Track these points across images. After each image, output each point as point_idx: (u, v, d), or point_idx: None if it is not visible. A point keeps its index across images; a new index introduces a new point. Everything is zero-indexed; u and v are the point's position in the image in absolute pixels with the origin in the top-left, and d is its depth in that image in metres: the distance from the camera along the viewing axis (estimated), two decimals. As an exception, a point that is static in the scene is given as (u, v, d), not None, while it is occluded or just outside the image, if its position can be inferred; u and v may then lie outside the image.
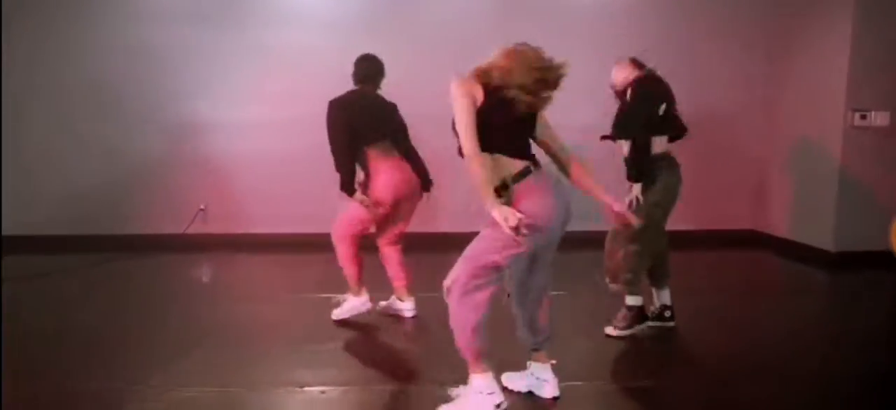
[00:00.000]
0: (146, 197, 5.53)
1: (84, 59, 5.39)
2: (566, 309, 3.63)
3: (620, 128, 3.19)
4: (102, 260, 5.06)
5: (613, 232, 3.25)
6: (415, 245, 3.89)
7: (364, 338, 3.32)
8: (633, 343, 3.20)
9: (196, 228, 5.55)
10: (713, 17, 5.53)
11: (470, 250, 2.27)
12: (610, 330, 3.26)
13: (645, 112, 3.11)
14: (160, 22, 5.38)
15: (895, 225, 3.67)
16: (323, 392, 2.63)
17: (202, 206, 5.57)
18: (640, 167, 3.15)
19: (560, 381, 2.54)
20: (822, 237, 4.92)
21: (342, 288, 3.60)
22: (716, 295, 4.17)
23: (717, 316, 3.70)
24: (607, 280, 3.33)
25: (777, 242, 5.44)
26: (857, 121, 4.70)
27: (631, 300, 3.25)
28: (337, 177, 3.30)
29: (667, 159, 3.24)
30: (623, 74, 3.27)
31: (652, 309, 3.38)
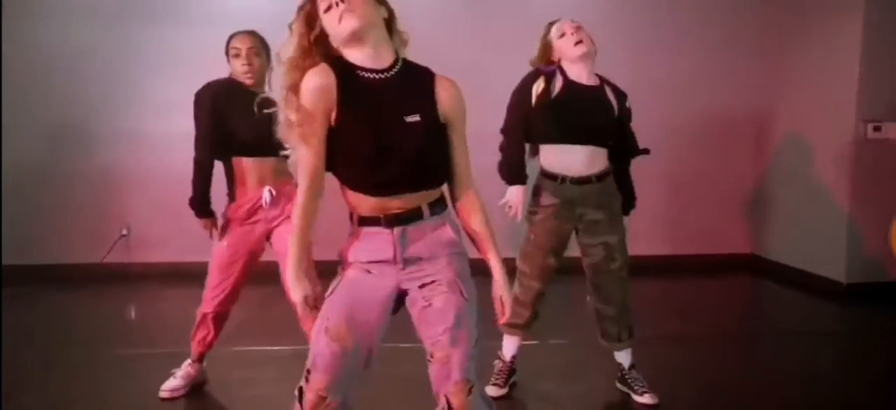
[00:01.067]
0: (59, 221, 4.78)
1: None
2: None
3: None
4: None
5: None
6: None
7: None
8: None
9: (116, 256, 4.80)
10: (702, 13, 4.98)
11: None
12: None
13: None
14: (74, 19, 4.67)
15: (895, 225, 3.28)
16: None
17: (124, 231, 4.84)
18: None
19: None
20: (830, 266, 4.35)
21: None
22: (704, 341, 3.54)
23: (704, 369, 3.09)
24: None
25: (778, 269, 4.86)
26: (870, 133, 4.15)
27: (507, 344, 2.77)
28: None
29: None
30: None
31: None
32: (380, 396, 2.21)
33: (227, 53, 2.72)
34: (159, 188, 4.78)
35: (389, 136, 1.52)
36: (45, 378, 2.91)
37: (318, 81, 1.51)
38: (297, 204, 1.58)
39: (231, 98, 2.63)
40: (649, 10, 4.98)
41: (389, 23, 1.61)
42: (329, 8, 1.52)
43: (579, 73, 2.56)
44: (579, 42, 2.53)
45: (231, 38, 2.71)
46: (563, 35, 2.57)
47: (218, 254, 2.67)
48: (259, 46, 2.66)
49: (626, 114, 2.68)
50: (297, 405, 1.54)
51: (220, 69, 4.93)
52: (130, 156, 4.78)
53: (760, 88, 5.04)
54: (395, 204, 1.56)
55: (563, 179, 2.54)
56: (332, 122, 1.52)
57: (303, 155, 1.53)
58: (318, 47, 1.55)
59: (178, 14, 4.76)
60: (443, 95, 1.61)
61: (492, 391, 2.61)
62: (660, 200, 4.91)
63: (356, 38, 1.52)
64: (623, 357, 2.71)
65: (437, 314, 1.56)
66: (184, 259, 4.79)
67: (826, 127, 4.42)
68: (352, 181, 1.58)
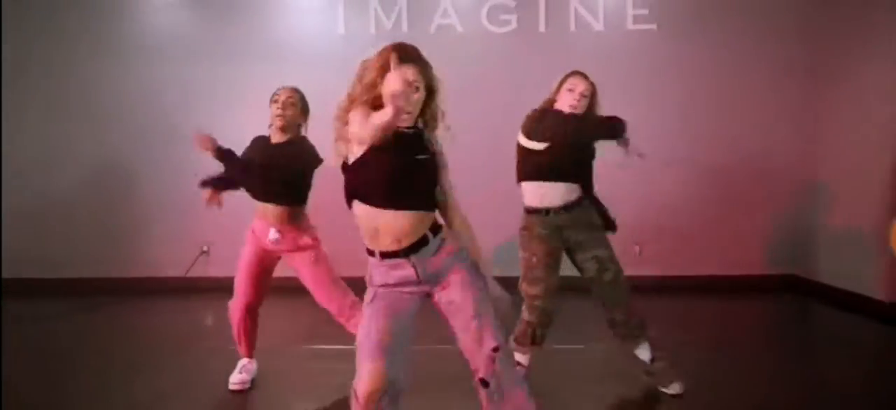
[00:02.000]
0: (146, 239, 5.38)
1: (86, 100, 5.36)
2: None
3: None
4: (98, 304, 4.88)
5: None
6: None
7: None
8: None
9: (198, 271, 5.35)
10: (745, 42, 5.18)
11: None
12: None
13: None
14: (159, 59, 5.34)
15: (895, 226, 3.28)
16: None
17: (205, 248, 5.39)
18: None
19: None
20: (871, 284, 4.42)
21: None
22: (749, 347, 3.71)
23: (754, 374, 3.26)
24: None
25: (821, 288, 4.93)
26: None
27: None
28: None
29: None
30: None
31: None
32: (424, 393, 2.51)
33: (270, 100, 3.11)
34: (234, 209, 5.32)
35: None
36: (131, 377, 3.36)
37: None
38: None
39: (253, 149, 3.12)
40: (702, 48, 5.23)
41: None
42: (407, 84, 1.88)
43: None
44: (573, 106, 2.86)
45: (277, 90, 3.11)
46: (571, 89, 2.89)
47: (241, 259, 3.09)
48: (296, 99, 3.07)
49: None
50: (354, 400, 1.84)
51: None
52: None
53: (802, 111, 5.17)
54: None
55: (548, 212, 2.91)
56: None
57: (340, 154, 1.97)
58: (373, 93, 1.93)
59: (249, 52, 5.32)
60: None
61: None
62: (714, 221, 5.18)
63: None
64: (643, 353, 2.96)
65: (459, 308, 1.93)
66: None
67: (868, 148, 4.52)
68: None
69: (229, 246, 5.26)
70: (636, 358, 3.01)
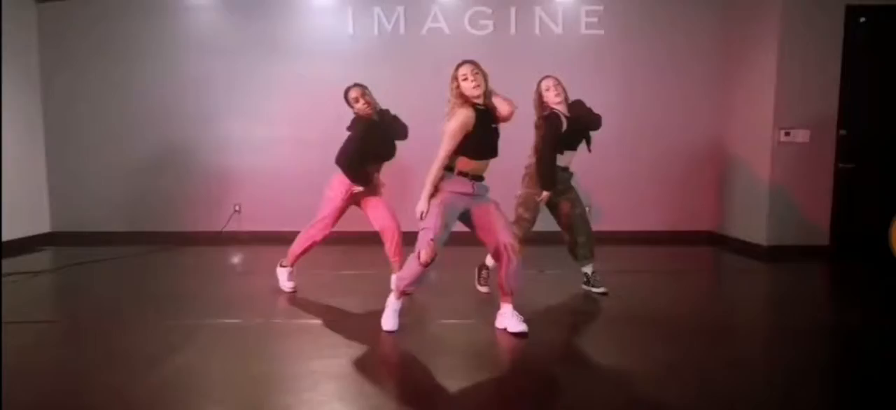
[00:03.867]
0: (191, 200, 6.58)
1: (143, 85, 6.49)
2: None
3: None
4: (151, 251, 6.08)
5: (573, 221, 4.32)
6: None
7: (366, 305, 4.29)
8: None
9: (232, 226, 6.57)
10: (674, 42, 6.55)
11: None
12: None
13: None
14: (202, 54, 6.46)
15: (895, 226, 4.14)
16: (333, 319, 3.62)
17: (237, 207, 6.60)
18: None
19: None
20: (756, 233, 5.88)
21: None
22: (678, 275, 5.12)
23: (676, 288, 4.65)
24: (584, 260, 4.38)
25: (727, 239, 6.38)
26: (782, 137, 5.66)
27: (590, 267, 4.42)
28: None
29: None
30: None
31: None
32: (451, 364, 3.63)
33: (347, 99, 4.31)
34: (260, 177, 6.55)
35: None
36: (178, 305, 4.36)
37: (466, 115, 3.29)
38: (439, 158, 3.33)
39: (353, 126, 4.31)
40: (639, 50, 6.55)
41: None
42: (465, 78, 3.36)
43: (562, 110, 4.14)
44: (558, 96, 4.11)
45: (351, 89, 4.29)
46: (548, 90, 4.14)
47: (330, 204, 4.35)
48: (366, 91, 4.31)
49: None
50: (416, 261, 3.33)
51: (302, 94, 6.75)
52: (242, 156, 6.56)
53: (715, 110, 6.57)
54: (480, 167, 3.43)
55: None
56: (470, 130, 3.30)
57: (447, 147, 3.31)
58: (462, 95, 3.34)
59: (276, 49, 6.46)
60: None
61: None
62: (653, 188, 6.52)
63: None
64: (588, 268, 4.36)
65: (494, 221, 3.41)
66: (278, 228, 6.55)
67: (755, 135, 5.93)
68: (469, 153, 3.35)
69: (256, 206, 6.56)
70: (580, 272, 4.39)
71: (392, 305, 3.57)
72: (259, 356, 3.23)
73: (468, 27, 6.47)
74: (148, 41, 6.47)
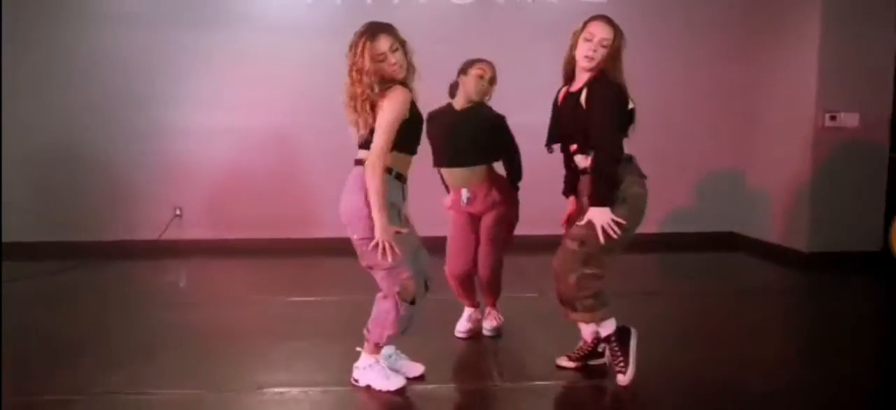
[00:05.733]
0: (120, 202, 5.50)
1: (51, 62, 5.36)
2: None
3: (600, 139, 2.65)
4: (73, 266, 5.00)
5: (564, 252, 2.64)
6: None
7: (329, 341, 3.30)
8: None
9: (172, 234, 5.52)
10: (689, 26, 5.61)
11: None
12: (563, 362, 2.85)
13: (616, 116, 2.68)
14: (129, 25, 5.36)
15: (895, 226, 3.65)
16: (280, 393, 2.62)
17: (178, 211, 5.55)
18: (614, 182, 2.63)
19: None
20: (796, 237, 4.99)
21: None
22: (696, 297, 4.21)
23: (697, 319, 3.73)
24: (565, 309, 2.69)
25: (754, 243, 5.48)
26: (827, 121, 4.78)
27: (603, 328, 2.68)
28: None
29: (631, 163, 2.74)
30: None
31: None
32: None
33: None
34: (205, 172, 5.50)
35: None
36: (104, 336, 3.58)
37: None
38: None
39: (434, 120, 3.12)
40: (649, 18, 5.57)
41: None
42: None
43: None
44: (589, 57, 2.68)
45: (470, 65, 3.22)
46: (588, 39, 2.69)
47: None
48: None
49: None
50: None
51: (253, 72, 5.72)
52: (181, 147, 5.48)
53: (741, 89, 5.65)
54: None
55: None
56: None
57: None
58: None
59: (217, 19, 5.41)
60: None
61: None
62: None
63: None
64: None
65: None
66: (227, 235, 5.53)
67: (793, 118, 5.03)
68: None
69: (202, 209, 5.52)
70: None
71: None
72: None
73: (448, -7, 5.48)
74: (58, 11, 5.35)
